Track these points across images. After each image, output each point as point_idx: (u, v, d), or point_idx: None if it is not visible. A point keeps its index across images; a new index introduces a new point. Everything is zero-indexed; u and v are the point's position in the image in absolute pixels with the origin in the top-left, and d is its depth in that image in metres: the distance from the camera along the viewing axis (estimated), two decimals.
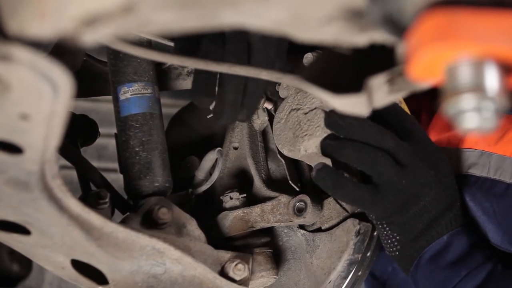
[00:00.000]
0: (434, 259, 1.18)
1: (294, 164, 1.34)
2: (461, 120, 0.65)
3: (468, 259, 1.17)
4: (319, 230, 1.30)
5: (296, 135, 1.24)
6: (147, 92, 1.25)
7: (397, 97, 0.88)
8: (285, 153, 1.27)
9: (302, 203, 1.26)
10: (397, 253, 1.20)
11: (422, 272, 1.19)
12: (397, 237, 1.19)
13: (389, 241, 1.19)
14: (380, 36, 0.72)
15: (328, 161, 1.19)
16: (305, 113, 1.24)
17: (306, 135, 1.22)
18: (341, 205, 1.27)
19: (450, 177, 1.20)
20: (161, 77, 1.35)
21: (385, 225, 1.19)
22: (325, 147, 1.19)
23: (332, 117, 1.17)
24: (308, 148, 1.22)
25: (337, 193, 1.17)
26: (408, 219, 1.17)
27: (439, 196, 1.18)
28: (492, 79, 0.64)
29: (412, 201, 1.16)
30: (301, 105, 1.25)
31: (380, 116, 1.17)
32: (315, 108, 1.22)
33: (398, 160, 1.16)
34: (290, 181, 1.31)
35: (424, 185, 1.16)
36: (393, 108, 1.21)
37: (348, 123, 1.15)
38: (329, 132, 1.19)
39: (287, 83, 1.26)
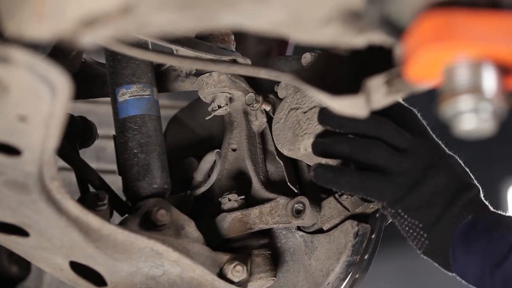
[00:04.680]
0: (467, 236, 1.14)
1: (292, 166, 1.34)
2: (459, 121, 0.65)
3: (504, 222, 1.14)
4: (320, 230, 1.30)
5: (295, 134, 1.24)
6: (146, 93, 1.25)
7: (395, 98, 0.88)
8: (285, 152, 1.27)
9: (301, 204, 1.26)
10: (426, 242, 1.16)
11: (464, 258, 1.14)
12: (420, 225, 1.15)
13: (414, 233, 1.16)
14: (378, 37, 0.72)
15: (323, 161, 1.20)
16: (304, 112, 1.24)
17: (305, 133, 1.22)
18: (342, 204, 1.27)
19: (460, 167, 1.19)
20: (160, 78, 1.35)
21: (402, 213, 1.16)
22: (317, 146, 1.19)
23: (324, 111, 1.17)
24: (308, 146, 1.22)
25: (340, 183, 1.16)
26: (421, 201, 1.15)
27: (450, 180, 1.16)
28: (489, 80, 0.64)
29: (419, 183, 1.15)
30: (300, 104, 1.25)
31: (379, 111, 1.17)
32: (314, 107, 1.23)
33: (396, 146, 1.15)
34: (288, 183, 1.31)
35: (427, 168, 1.15)
36: (393, 104, 1.21)
37: (340, 115, 1.15)
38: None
39: (285, 81, 1.26)
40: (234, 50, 1.33)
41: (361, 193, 1.19)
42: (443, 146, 1.20)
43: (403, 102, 1.25)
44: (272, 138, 1.32)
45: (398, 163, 1.15)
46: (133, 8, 0.65)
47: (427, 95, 0.89)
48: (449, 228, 1.15)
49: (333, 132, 1.20)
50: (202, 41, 1.30)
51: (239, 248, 1.29)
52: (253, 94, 1.32)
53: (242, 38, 1.61)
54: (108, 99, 1.28)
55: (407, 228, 1.17)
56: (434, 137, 1.21)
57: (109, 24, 0.67)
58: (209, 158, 1.33)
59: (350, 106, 0.86)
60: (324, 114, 1.18)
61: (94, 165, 1.34)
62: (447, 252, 1.16)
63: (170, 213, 1.19)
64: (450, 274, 1.19)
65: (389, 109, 1.18)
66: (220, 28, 1.27)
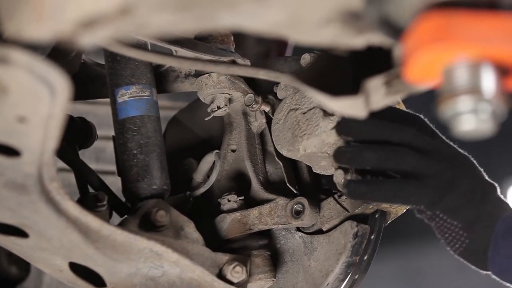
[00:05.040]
0: (510, 231, 1.15)
1: (292, 167, 1.34)
2: (458, 122, 0.65)
3: None
4: (319, 230, 1.30)
5: (295, 135, 1.24)
6: (145, 94, 1.25)
7: (395, 99, 0.88)
8: (284, 153, 1.27)
9: (300, 205, 1.26)
10: (467, 241, 1.16)
11: (508, 253, 1.15)
12: (459, 225, 1.16)
13: (453, 233, 1.17)
14: (377, 38, 0.72)
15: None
16: (304, 113, 1.24)
17: (305, 134, 1.22)
18: (341, 205, 1.27)
19: (476, 166, 1.20)
20: (159, 79, 1.35)
21: (441, 215, 1.16)
22: (341, 156, 1.18)
23: (343, 122, 1.16)
24: (307, 147, 1.22)
25: (376, 195, 1.16)
26: (458, 201, 1.15)
27: (475, 179, 1.17)
28: (488, 81, 0.64)
29: (452, 184, 1.15)
30: (299, 105, 1.25)
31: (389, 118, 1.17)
32: (313, 108, 1.23)
33: (420, 149, 1.15)
34: (288, 184, 1.31)
35: (454, 168, 1.16)
36: (399, 112, 1.22)
37: (360, 123, 1.14)
38: (328, 131, 1.19)
39: (284, 82, 1.26)
40: (234, 51, 1.33)
41: (397, 201, 1.19)
42: (455, 146, 1.21)
43: (409, 110, 1.25)
44: (272, 139, 1.32)
45: (427, 166, 1.15)
46: (131, 9, 0.65)
47: (426, 96, 0.89)
48: (489, 225, 1.16)
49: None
50: (202, 42, 1.30)
51: (238, 248, 1.29)
52: (252, 95, 1.32)
53: (241, 39, 1.61)
54: (108, 100, 1.28)
55: (445, 230, 1.17)
56: (445, 138, 1.21)
57: (108, 25, 0.67)
58: (209, 159, 1.33)
59: (349, 107, 0.86)
60: (343, 125, 1.17)
61: (93, 166, 1.34)
62: (487, 250, 1.17)
63: (170, 214, 1.19)
64: (484, 272, 1.20)
65: (396, 116, 1.19)
66: (219, 28, 1.27)
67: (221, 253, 1.22)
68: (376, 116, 1.13)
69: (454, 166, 1.17)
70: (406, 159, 1.15)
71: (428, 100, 1.17)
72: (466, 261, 1.20)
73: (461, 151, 1.20)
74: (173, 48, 1.26)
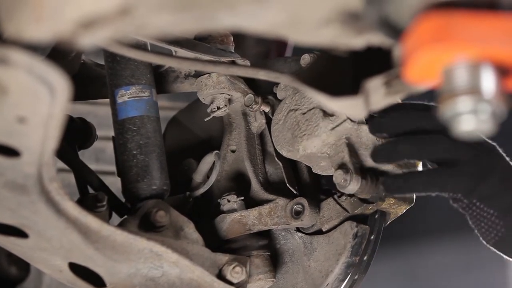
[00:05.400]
0: None
1: (292, 167, 1.35)
2: (458, 122, 0.65)
3: None
4: (319, 231, 1.30)
5: (294, 136, 1.24)
6: (145, 95, 1.25)
7: (395, 99, 0.88)
8: (284, 154, 1.27)
9: (300, 206, 1.26)
10: (502, 230, 1.16)
11: None
12: (495, 214, 1.15)
13: (489, 222, 1.16)
14: (377, 38, 0.72)
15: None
16: (303, 113, 1.24)
17: (304, 135, 1.23)
18: (341, 205, 1.27)
19: (506, 158, 1.19)
20: (159, 80, 1.35)
21: (477, 203, 1.15)
22: (378, 155, 1.18)
23: (373, 122, 1.16)
24: (307, 148, 1.22)
25: (413, 187, 1.16)
26: (494, 189, 1.15)
27: (506, 166, 1.17)
28: (488, 82, 0.64)
29: (487, 171, 1.15)
30: (299, 105, 1.25)
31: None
32: (313, 108, 1.23)
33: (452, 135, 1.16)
34: (287, 184, 1.31)
35: (487, 154, 1.16)
36: (421, 104, 1.22)
37: (389, 117, 1.14)
38: (328, 131, 1.19)
39: (284, 83, 1.26)
40: (233, 51, 1.33)
41: (434, 190, 1.18)
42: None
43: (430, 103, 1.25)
44: (271, 139, 1.32)
45: (462, 152, 1.15)
46: (131, 9, 0.66)
47: (426, 96, 0.89)
48: None
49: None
50: (201, 42, 1.31)
51: (238, 249, 1.29)
52: (252, 95, 1.32)
53: (241, 39, 1.61)
54: (107, 100, 1.28)
55: (481, 219, 1.17)
56: None
57: (107, 26, 0.67)
58: (208, 159, 1.33)
59: (349, 107, 0.86)
60: (374, 124, 1.17)
61: (93, 166, 1.34)
62: None
63: (169, 214, 1.19)
64: None
65: (420, 107, 1.19)
66: (219, 29, 1.27)
67: (221, 253, 1.22)
68: (401, 108, 1.14)
69: (485, 153, 1.16)
70: (441, 145, 1.15)
71: (428, 100, 1.17)
72: (500, 251, 1.20)
73: (489, 140, 1.20)
74: (172, 48, 1.26)
